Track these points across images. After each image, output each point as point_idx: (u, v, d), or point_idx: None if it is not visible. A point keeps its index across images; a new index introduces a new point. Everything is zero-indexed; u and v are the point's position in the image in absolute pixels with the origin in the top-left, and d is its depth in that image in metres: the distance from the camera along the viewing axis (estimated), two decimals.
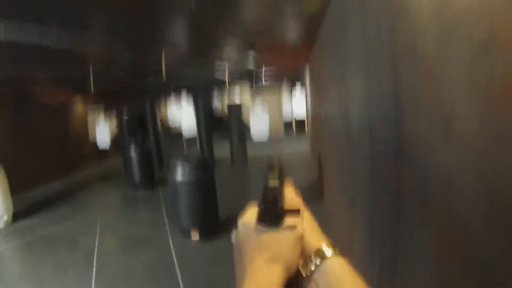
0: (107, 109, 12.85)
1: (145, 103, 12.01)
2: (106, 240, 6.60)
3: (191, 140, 13.92)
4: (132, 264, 5.53)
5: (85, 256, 5.83)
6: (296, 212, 0.75)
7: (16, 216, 7.64)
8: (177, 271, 5.16)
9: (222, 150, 12.20)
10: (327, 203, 6.14)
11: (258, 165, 11.50)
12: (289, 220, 0.73)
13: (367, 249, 2.63)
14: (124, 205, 9.06)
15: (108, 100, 13.93)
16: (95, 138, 12.65)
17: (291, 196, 0.80)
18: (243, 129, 11.22)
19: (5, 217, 7.29)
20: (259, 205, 0.76)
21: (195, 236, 6.03)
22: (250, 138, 11.37)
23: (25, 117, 10.39)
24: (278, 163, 0.91)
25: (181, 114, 13.08)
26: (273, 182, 0.82)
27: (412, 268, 1.71)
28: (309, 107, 11.15)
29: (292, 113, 14.89)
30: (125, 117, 11.69)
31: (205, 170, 6.19)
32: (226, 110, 14.55)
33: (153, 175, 10.02)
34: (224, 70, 11.37)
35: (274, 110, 10.54)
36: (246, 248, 0.73)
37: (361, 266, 2.83)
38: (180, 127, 14.08)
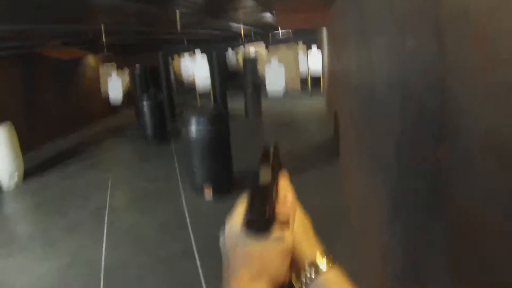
0: (119, 64, 12.64)
1: (159, 57, 11.78)
2: (117, 196, 6.51)
3: (204, 95, 13.73)
4: (144, 221, 5.45)
5: (96, 213, 5.74)
6: (286, 219, 0.68)
7: (27, 174, 7.54)
8: (189, 227, 5.06)
9: (235, 104, 12.00)
10: (343, 162, 5.95)
11: (272, 120, 11.44)
12: (278, 228, 0.66)
13: (386, 219, 2.43)
14: (136, 159, 8.95)
15: (120, 55, 13.73)
16: (107, 93, 12.47)
17: (284, 193, 0.71)
18: (258, 83, 10.99)
19: (16, 176, 7.17)
20: (246, 208, 0.68)
21: (208, 192, 5.88)
22: (265, 93, 11.17)
23: (35, 73, 10.20)
24: (275, 152, 0.79)
25: (195, 68, 12.81)
26: (265, 180, 0.71)
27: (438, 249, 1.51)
28: (326, 65, 10.86)
29: (308, 71, 14.62)
30: (138, 71, 11.53)
31: (220, 123, 5.98)
32: (240, 64, 14.37)
33: (166, 128, 9.87)
34: (239, 29, 11.12)
35: (290, 66, 10.24)
36: (231, 257, 0.68)
37: (377, 236, 2.70)
38: (193, 81, 13.88)
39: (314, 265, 0.66)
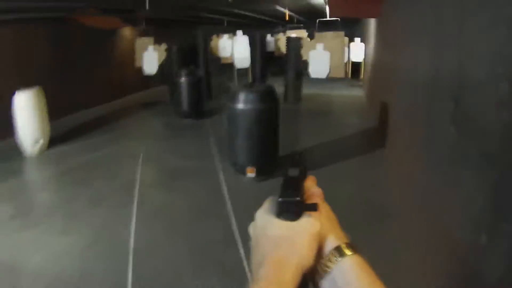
0: (156, 38, 12.10)
1: (198, 35, 11.22)
2: (149, 171, 5.92)
3: (242, 76, 13.17)
4: (178, 200, 4.85)
5: (125, 188, 5.16)
6: (315, 206, 0.71)
7: (53, 141, 7.02)
8: (229, 208, 4.48)
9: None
10: (390, 154, 5.54)
11: (312, 104, 10.79)
12: (307, 215, 0.70)
13: (471, 218, 2.04)
14: (170, 134, 8.36)
15: (158, 29, 13.25)
16: (142, 66, 11.98)
17: (312, 190, 0.76)
18: (300, 67, 10.37)
19: (41, 142, 6.65)
20: (278, 197, 0.71)
21: (251, 172, 5.27)
22: (307, 77, 10.48)
23: (68, 39, 9.74)
24: (301, 157, 0.84)
25: (235, 47, 12.27)
26: (293, 173, 0.78)
27: None
28: (370, 56, 10.20)
29: (348, 62, 14.09)
30: (175, 46, 11.00)
31: (272, 101, 5.31)
32: (280, 50, 13.74)
33: (203, 104, 9.29)
34: (283, 13, 10.52)
35: (336, 53, 9.58)
36: (262, 243, 0.71)
37: (451, 236, 2.35)
38: (231, 58, 13.35)
39: (338, 251, 0.68)
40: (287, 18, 11.24)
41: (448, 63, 2.58)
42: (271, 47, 15.36)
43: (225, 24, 13.94)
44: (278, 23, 16.17)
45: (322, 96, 12.02)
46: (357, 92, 12.50)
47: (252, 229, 0.76)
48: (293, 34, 13.33)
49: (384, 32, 7.60)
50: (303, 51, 10.02)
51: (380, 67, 8.29)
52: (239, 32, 12.18)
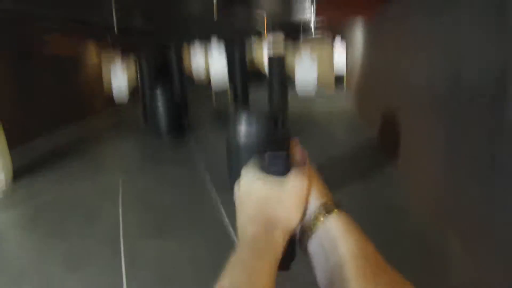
0: (124, 52, 11.17)
1: (169, 47, 10.33)
2: (132, 213, 4.87)
3: (219, 94, 12.38)
4: (176, 252, 3.88)
5: (107, 238, 4.17)
6: (302, 163, 0.72)
7: (19, 173, 6.07)
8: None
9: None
10: (407, 163, 5.37)
11: (299, 123, 10.03)
12: (294, 173, 0.69)
13: None
14: (150, 158, 7.27)
15: (125, 46, 12.30)
16: (110, 86, 11.06)
17: (296, 149, 0.75)
18: (285, 82, 9.60)
19: (2, 181, 5.69)
20: (264, 152, 0.70)
21: None
22: (293, 92, 9.73)
23: (30, 63, 8.76)
24: (283, 117, 0.68)
25: (211, 63, 11.40)
26: (280, 132, 0.81)
27: None
28: (358, 62, 9.51)
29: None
30: (145, 63, 10.10)
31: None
32: (259, 59, 12.93)
33: (182, 122, 8.45)
34: (262, 19, 9.74)
35: (324, 62, 8.85)
36: (249, 202, 0.71)
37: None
38: (202, 78, 12.52)
39: (324, 208, 0.68)
40: (265, 26, 10.46)
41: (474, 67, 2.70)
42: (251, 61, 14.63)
43: (197, 38, 13.10)
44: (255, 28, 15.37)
45: (308, 112, 11.24)
46: (340, 104, 11.76)
47: (237, 187, 0.75)
48: (272, 38, 12.58)
49: (387, 36, 6.98)
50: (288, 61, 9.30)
51: (378, 75, 7.68)
52: (214, 42, 11.33)
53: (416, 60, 4.99)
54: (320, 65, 8.85)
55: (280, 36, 13.33)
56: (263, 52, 12.43)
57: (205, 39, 13.59)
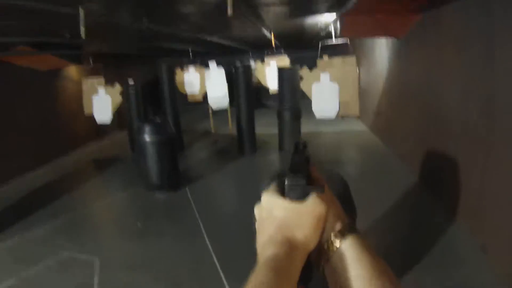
0: (108, 78, 9.62)
1: (161, 70, 8.83)
2: None
3: (218, 117, 10.88)
4: None
5: None
6: (322, 187, 0.76)
7: None
8: None
9: (260, 129, 9.12)
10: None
11: (316, 151, 8.52)
12: (313, 197, 0.74)
13: None
14: (137, 224, 5.39)
15: (109, 67, 10.79)
16: (91, 113, 9.51)
17: (315, 175, 0.81)
18: (297, 103, 8.11)
19: None
20: (284, 178, 0.75)
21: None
22: (309, 115, 8.16)
23: None
24: (305, 145, 0.92)
25: (208, 81, 9.83)
26: (299, 158, 0.84)
27: None
28: (387, 81, 8.11)
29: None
30: (132, 88, 8.62)
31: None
32: (260, 77, 11.35)
33: (178, 174, 6.71)
34: (269, 35, 8.30)
35: (347, 84, 7.34)
36: (268, 224, 0.75)
37: None
38: (199, 95, 10.98)
39: (341, 232, 0.73)
40: (273, 44, 8.95)
41: None
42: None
43: (191, 55, 11.56)
44: (247, 50, 13.79)
45: (321, 135, 9.74)
46: (357, 127, 10.29)
47: (257, 210, 0.80)
48: (272, 62, 11.08)
49: (418, 54, 6.14)
50: (302, 85, 7.78)
51: (409, 96, 6.69)
52: (212, 64, 9.79)
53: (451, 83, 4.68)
54: (343, 89, 7.36)
55: (280, 52, 11.93)
56: (265, 71, 10.86)
57: (200, 59, 12.15)
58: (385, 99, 8.31)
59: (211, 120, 10.39)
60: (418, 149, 6.07)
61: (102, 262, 4.25)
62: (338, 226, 0.74)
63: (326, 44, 8.31)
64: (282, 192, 0.76)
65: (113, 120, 9.53)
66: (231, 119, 10.10)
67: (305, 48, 12.96)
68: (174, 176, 6.46)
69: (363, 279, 0.66)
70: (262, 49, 12.64)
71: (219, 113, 10.43)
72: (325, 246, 0.73)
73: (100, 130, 10.57)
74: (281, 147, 8.34)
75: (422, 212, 5.12)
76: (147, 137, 6.00)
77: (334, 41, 7.81)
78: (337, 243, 0.72)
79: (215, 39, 8.79)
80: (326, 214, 0.74)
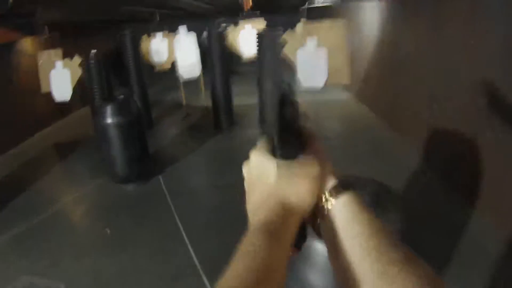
0: (66, 50, 8.51)
1: (125, 39, 7.85)
2: None
3: (189, 86, 9.78)
4: None
5: None
6: (313, 145, 0.73)
7: None
8: None
9: (235, 100, 8.27)
10: None
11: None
12: (305, 155, 0.71)
13: None
14: (105, 228, 4.48)
15: (67, 37, 9.64)
16: (49, 91, 8.45)
17: (308, 131, 0.77)
18: (279, 70, 7.31)
19: None
20: (275, 137, 0.72)
21: None
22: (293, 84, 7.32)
23: None
24: (291, 96, 0.77)
25: (177, 48, 8.83)
26: (288, 112, 0.74)
27: None
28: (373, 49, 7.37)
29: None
30: (93, 60, 7.62)
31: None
32: (235, 46, 10.37)
33: (147, 157, 5.79)
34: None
35: (335, 49, 6.46)
36: (260, 187, 0.72)
37: None
38: (167, 64, 9.95)
39: (335, 189, 0.70)
40: (249, 5, 7.99)
41: None
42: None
43: (157, 19, 10.51)
44: (217, 14, 12.72)
45: (308, 108, 8.87)
46: (342, 95, 9.48)
47: (246, 169, 0.76)
48: (248, 27, 10.10)
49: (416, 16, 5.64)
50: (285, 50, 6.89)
51: (406, 63, 6.13)
52: (183, 29, 8.79)
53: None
54: (332, 54, 6.51)
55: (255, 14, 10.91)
56: (239, 35, 9.86)
57: (167, 24, 11.09)
58: (374, 66, 7.59)
59: (182, 91, 9.43)
60: (418, 125, 5.42)
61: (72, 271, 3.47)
62: (332, 183, 0.71)
63: (308, 6, 7.39)
64: (272, 150, 0.72)
65: (75, 95, 8.55)
66: (204, 88, 9.15)
67: (281, 11, 12.04)
68: (144, 164, 5.58)
69: (359, 237, 0.63)
70: (234, 13, 11.67)
71: (190, 83, 9.43)
72: (320, 205, 0.71)
73: (64, 109, 9.57)
74: (262, 120, 7.53)
75: (437, 203, 4.44)
76: (108, 119, 5.08)
77: (319, 2, 6.91)
78: (332, 201, 0.69)
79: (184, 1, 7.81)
80: (320, 173, 0.70)
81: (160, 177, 5.64)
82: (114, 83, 8.01)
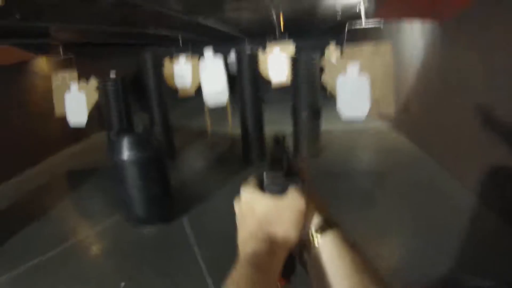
0: (82, 72, 7.87)
1: (146, 61, 7.23)
2: None
3: (215, 113, 9.09)
4: None
5: None
6: (299, 181, 0.74)
7: None
8: None
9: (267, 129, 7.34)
10: None
11: (340, 156, 6.98)
12: (293, 191, 0.73)
13: None
14: (120, 277, 3.69)
15: (83, 58, 9.05)
16: (65, 114, 7.80)
17: (300, 168, 0.80)
18: (317, 100, 6.61)
19: None
20: (264, 173, 0.75)
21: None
22: (332, 115, 6.56)
23: None
24: (283, 137, 0.88)
25: (203, 72, 8.08)
26: (279, 151, 0.81)
27: None
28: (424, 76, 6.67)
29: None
30: (111, 83, 7.01)
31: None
32: (263, 67, 9.65)
33: (169, 197, 4.97)
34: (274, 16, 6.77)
35: (380, 77, 5.73)
36: (249, 219, 0.74)
37: None
38: (191, 89, 9.25)
39: (321, 225, 0.73)
40: (282, 27, 7.29)
41: None
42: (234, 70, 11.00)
43: (180, 42, 9.87)
44: (243, 37, 12.02)
45: (332, 136, 8.14)
46: (374, 123, 8.70)
47: (237, 204, 0.79)
48: (276, 50, 9.42)
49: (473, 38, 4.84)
50: (324, 78, 6.13)
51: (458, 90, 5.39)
52: (209, 51, 8.11)
53: None
54: (375, 83, 5.80)
55: (284, 38, 10.22)
56: (267, 60, 9.20)
57: (193, 47, 10.48)
58: (416, 93, 6.87)
59: (207, 118, 8.71)
60: (468, 159, 4.70)
61: None
62: (318, 220, 0.74)
63: (352, 28, 6.66)
64: (261, 186, 0.75)
65: (93, 119, 7.91)
66: (231, 114, 8.42)
67: (311, 34, 11.42)
68: (165, 205, 4.82)
69: (342, 275, 0.66)
70: (262, 36, 11.04)
71: (216, 109, 8.73)
72: (306, 240, 0.73)
73: (80, 133, 8.95)
74: (295, 148, 6.81)
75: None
76: (124, 155, 4.34)
77: (363, 24, 6.18)
78: (317, 237, 0.71)
79: (210, 23, 7.16)
80: (306, 208, 0.73)
81: (183, 219, 4.89)
82: (133, 108, 7.39)
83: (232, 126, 8.32)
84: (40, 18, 4.76)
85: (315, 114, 6.55)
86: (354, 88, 5.92)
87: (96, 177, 6.81)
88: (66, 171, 7.53)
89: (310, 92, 6.45)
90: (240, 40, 12.56)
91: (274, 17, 6.80)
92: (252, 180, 0.78)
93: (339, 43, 10.19)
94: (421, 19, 6.21)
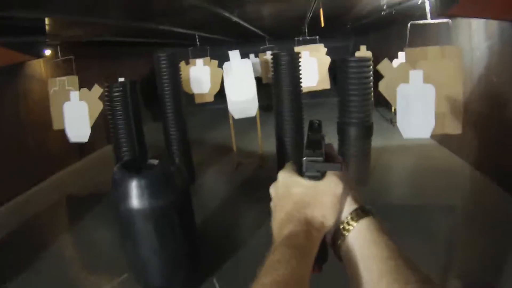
0: (84, 77, 6.61)
1: (159, 62, 6.03)
2: None
3: (240, 127, 7.80)
4: None
5: None
6: (339, 166, 0.72)
7: None
8: None
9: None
10: None
11: (395, 188, 5.75)
12: (331, 176, 0.72)
13: None
14: None
15: (84, 61, 7.75)
16: (62, 126, 6.57)
17: (332, 154, 0.80)
18: (369, 113, 5.38)
19: None
20: (302, 158, 0.73)
21: None
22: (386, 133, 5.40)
23: None
24: (320, 124, 0.88)
25: (229, 79, 6.67)
26: (315, 136, 0.81)
27: None
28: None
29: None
30: (118, 89, 5.79)
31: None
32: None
33: (196, 255, 3.50)
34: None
35: (448, 87, 4.47)
36: (286, 202, 0.74)
37: None
38: (209, 95, 8.14)
39: (357, 212, 0.71)
40: (322, 24, 6.01)
41: None
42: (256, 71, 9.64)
43: (197, 43, 8.65)
44: (264, 36, 10.79)
45: (390, 164, 6.79)
46: (438, 152, 7.18)
47: (273, 189, 0.78)
48: (305, 54, 8.18)
49: None
50: (382, 87, 4.85)
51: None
52: (234, 54, 6.80)
53: None
54: (441, 91, 4.55)
55: (314, 39, 8.99)
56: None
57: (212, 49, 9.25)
58: (477, 105, 5.75)
59: (232, 133, 7.39)
60: None
61: None
62: (354, 206, 0.73)
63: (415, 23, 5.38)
64: (299, 171, 0.74)
65: (99, 128, 6.71)
66: (260, 127, 7.14)
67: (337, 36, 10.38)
68: (191, 265, 3.50)
69: (377, 259, 0.64)
70: (286, 36, 9.95)
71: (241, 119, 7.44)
72: (341, 226, 0.72)
73: (84, 147, 7.77)
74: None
75: None
76: (134, 203, 3.02)
77: (429, 20, 4.93)
78: (353, 223, 0.70)
79: (234, 18, 5.90)
80: (343, 194, 0.72)
81: (214, 280, 3.62)
82: (145, 118, 6.20)
83: (261, 141, 7.05)
84: (38, 7, 3.57)
85: (367, 132, 5.31)
86: (417, 102, 4.67)
87: (102, 205, 5.63)
88: (65, 197, 6.33)
89: (362, 106, 5.21)
90: (261, 40, 11.37)
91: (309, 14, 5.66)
92: (290, 164, 0.78)
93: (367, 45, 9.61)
94: (503, 17, 5.02)
